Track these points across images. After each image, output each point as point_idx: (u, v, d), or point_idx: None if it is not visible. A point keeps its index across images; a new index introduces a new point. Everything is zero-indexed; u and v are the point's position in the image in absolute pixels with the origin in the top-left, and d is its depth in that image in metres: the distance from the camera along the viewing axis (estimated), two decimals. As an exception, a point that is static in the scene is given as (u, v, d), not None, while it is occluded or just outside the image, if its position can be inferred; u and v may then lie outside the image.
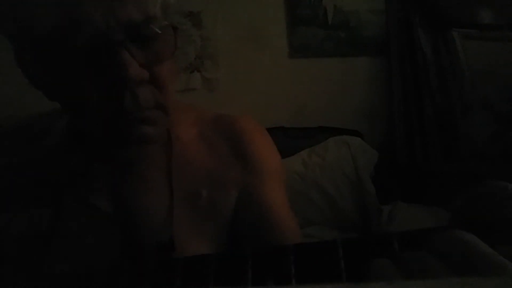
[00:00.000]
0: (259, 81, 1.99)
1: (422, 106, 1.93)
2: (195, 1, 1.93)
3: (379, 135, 2.03)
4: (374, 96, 2.07)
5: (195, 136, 0.57)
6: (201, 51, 1.98)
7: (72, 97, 0.44)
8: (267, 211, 0.52)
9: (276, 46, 2.03)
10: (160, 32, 0.43)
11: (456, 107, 1.87)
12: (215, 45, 1.98)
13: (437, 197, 1.77)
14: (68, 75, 0.41)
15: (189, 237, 0.51)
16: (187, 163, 0.54)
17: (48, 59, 0.41)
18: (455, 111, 1.87)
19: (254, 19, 1.99)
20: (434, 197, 1.78)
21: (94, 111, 0.43)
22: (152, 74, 0.43)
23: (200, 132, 0.57)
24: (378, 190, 1.73)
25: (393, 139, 2.01)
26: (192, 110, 0.61)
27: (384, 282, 0.21)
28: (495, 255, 0.20)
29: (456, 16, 1.90)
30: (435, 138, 1.90)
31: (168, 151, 0.54)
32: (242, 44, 1.98)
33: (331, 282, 0.22)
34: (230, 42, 1.99)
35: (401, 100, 1.99)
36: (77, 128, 0.52)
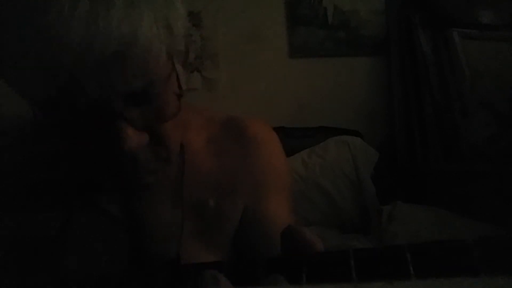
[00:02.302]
0: (259, 81, 1.99)
1: (422, 106, 1.93)
2: (195, 1, 1.93)
3: (379, 135, 2.03)
4: (374, 96, 2.07)
5: (204, 141, 0.55)
6: (201, 51, 1.98)
7: (71, 147, 0.43)
8: (271, 227, 0.51)
9: (276, 46, 2.03)
10: (162, 92, 0.40)
11: (456, 107, 1.87)
12: (215, 45, 1.98)
13: (437, 197, 1.77)
14: (69, 130, 0.41)
15: (195, 248, 0.50)
16: (196, 172, 0.53)
17: (49, 114, 0.40)
18: (455, 111, 1.87)
19: (254, 19, 2.00)
20: (434, 197, 1.78)
21: (92, 165, 0.43)
22: (153, 132, 0.41)
23: (209, 137, 0.56)
24: (378, 190, 1.73)
25: (393, 139, 2.01)
26: (201, 112, 0.59)
27: (384, 282, 0.21)
28: None
29: (456, 16, 1.90)
30: (435, 138, 1.90)
31: (180, 164, 0.52)
32: (242, 44, 1.98)
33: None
34: (230, 42, 1.99)
35: (401, 100, 1.99)
36: None
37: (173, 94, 0.42)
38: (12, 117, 0.56)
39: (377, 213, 1.65)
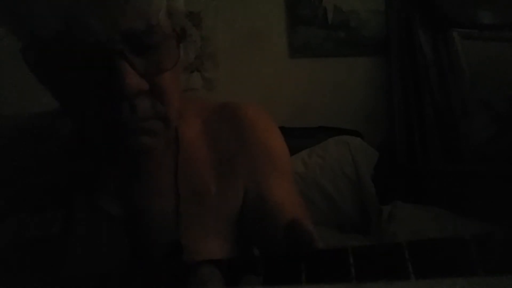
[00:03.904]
0: (259, 81, 1.99)
1: (422, 106, 1.93)
2: (195, 1, 1.93)
3: (379, 135, 2.03)
4: (374, 96, 2.07)
5: (200, 129, 0.56)
6: (201, 51, 1.98)
7: (72, 102, 0.43)
8: (273, 207, 0.51)
9: (276, 46, 2.03)
10: (162, 41, 0.42)
11: (456, 107, 1.87)
12: (215, 45, 1.98)
13: (437, 197, 1.77)
14: (69, 80, 0.41)
15: (198, 235, 0.50)
16: (194, 160, 0.53)
17: (51, 60, 0.40)
18: (455, 111, 1.87)
19: (254, 19, 2.00)
20: (434, 197, 1.78)
21: (92, 120, 0.42)
22: (153, 84, 0.42)
23: (205, 124, 0.56)
24: (378, 190, 1.73)
25: (393, 139, 2.01)
26: (196, 101, 0.60)
27: (384, 282, 0.21)
28: None
29: (456, 16, 1.90)
30: (435, 138, 1.90)
31: (175, 150, 0.53)
32: (242, 44, 1.98)
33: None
34: (230, 42, 1.99)
35: (401, 100, 1.99)
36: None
37: (172, 53, 0.43)
38: (11, 117, 0.56)
39: (377, 213, 1.65)
